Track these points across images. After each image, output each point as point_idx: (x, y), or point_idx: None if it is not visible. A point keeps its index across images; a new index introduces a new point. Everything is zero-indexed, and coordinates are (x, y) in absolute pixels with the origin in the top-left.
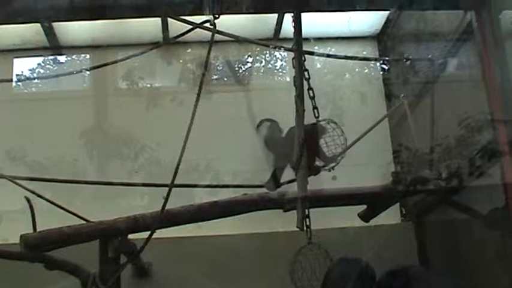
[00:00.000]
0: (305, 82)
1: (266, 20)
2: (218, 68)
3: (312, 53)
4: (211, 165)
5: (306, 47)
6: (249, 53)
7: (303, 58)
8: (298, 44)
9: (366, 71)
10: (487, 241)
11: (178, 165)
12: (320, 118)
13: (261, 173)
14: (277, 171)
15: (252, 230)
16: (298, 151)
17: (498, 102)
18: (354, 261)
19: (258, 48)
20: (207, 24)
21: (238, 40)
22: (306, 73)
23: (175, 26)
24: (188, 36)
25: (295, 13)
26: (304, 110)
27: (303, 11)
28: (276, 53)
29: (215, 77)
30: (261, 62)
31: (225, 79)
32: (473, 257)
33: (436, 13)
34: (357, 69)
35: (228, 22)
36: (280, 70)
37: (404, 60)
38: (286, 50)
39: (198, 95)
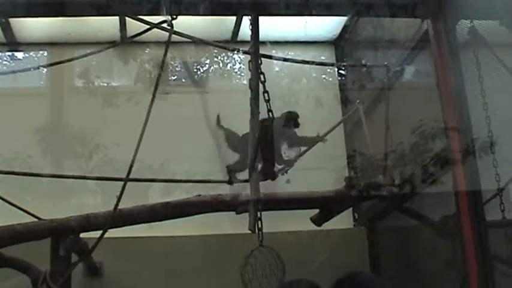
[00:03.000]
0: (261, 85)
1: (225, 22)
2: (176, 69)
3: (269, 57)
4: (165, 165)
5: (264, 51)
6: (207, 55)
7: (260, 61)
8: (255, 47)
9: (323, 76)
10: (438, 247)
11: (131, 164)
12: None
13: (216, 174)
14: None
15: (205, 232)
16: (252, 153)
17: (451, 111)
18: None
19: (216, 50)
20: (165, 25)
21: (194, 41)
22: (261, 76)
23: (134, 26)
24: (146, 36)
25: (252, 16)
26: (259, 113)
27: (261, 15)
28: (234, 55)
29: (173, 77)
30: (219, 63)
31: (183, 80)
32: (424, 263)
33: (393, 20)
34: (313, 74)
35: (187, 23)
36: (237, 72)
37: (361, 66)
38: (243, 52)
39: (153, 95)
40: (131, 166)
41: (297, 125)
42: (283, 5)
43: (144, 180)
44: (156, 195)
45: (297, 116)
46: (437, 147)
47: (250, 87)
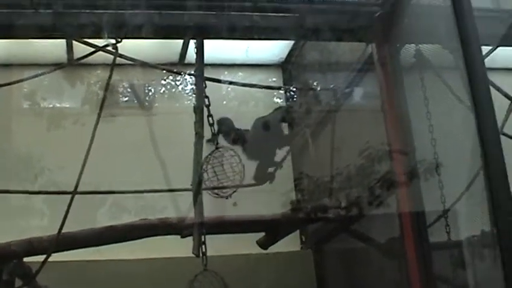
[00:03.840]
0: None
1: (172, 44)
2: (123, 91)
3: (213, 80)
4: (112, 188)
5: (211, 73)
6: (154, 77)
7: (204, 84)
8: (200, 70)
9: (270, 98)
10: (384, 269)
11: (76, 186)
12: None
13: (162, 197)
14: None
15: (151, 255)
16: (196, 177)
17: (395, 133)
18: None
19: (164, 72)
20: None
21: (136, 64)
22: (206, 100)
23: (81, 48)
24: (93, 59)
25: (197, 40)
26: (203, 136)
27: (206, 38)
28: (181, 78)
29: (120, 100)
30: (166, 86)
31: (129, 102)
32: (370, 285)
33: (339, 44)
34: (261, 97)
35: (135, 45)
36: (184, 95)
37: (308, 89)
38: (189, 75)
39: (98, 117)
40: (75, 190)
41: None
42: (229, 29)
43: (90, 192)
44: (104, 219)
45: (287, 110)
46: (383, 170)
47: (194, 111)
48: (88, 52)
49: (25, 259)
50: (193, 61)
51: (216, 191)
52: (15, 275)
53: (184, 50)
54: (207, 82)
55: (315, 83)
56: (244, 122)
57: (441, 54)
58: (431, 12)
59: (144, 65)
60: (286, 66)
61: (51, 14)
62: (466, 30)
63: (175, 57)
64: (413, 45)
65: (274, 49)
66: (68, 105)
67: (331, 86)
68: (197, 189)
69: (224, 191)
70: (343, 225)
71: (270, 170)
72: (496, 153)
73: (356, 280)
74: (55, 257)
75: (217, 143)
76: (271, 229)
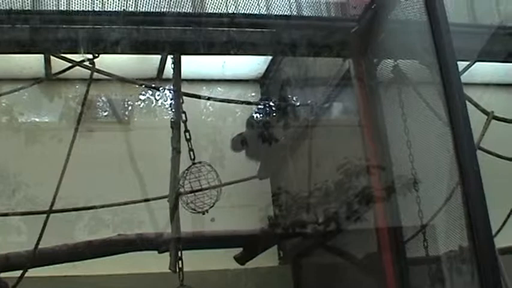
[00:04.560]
0: (182, 124)
1: (150, 59)
2: (101, 106)
3: (191, 95)
4: (90, 203)
5: (189, 88)
6: (132, 92)
7: (182, 100)
8: (177, 86)
9: (248, 114)
10: (362, 285)
11: (53, 202)
12: (195, 160)
13: (140, 212)
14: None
15: (129, 270)
16: (173, 191)
17: (373, 149)
18: None
19: (142, 87)
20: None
21: (114, 79)
22: (183, 115)
23: (59, 63)
24: (71, 73)
25: (175, 56)
26: (180, 152)
27: (183, 54)
28: (159, 93)
29: (98, 115)
30: (145, 101)
31: (107, 117)
32: None
33: (316, 59)
34: (238, 112)
35: (113, 60)
36: (163, 110)
37: (286, 104)
38: (166, 90)
39: (75, 132)
40: (53, 203)
41: None
42: (206, 44)
43: (64, 210)
44: (82, 234)
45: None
46: (361, 185)
47: (171, 126)
48: (65, 67)
49: (2, 274)
50: (171, 76)
51: (192, 206)
52: None
53: (162, 65)
54: (184, 97)
55: (293, 98)
56: (221, 137)
57: (418, 70)
58: (408, 27)
59: (121, 80)
60: (264, 82)
61: (28, 29)
62: (443, 45)
63: (153, 73)
64: (390, 60)
65: (252, 64)
66: (45, 120)
67: (309, 101)
68: (174, 205)
69: (201, 206)
70: (321, 240)
71: None
72: (473, 168)
73: None
74: (32, 272)
75: (193, 158)
76: (248, 244)
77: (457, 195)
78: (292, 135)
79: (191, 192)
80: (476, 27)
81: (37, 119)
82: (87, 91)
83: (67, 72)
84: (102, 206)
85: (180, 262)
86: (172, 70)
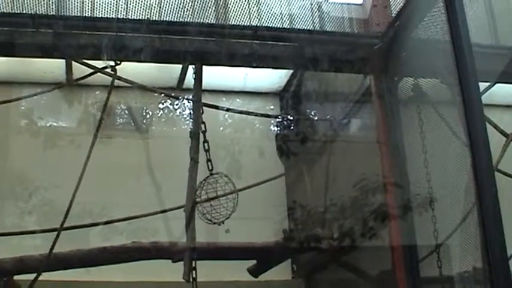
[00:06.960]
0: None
1: (171, 69)
2: (120, 113)
3: (211, 106)
4: (106, 210)
5: (209, 99)
6: (152, 101)
7: (202, 110)
8: (198, 96)
9: (266, 126)
10: None
11: (69, 208)
12: (214, 171)
13: (155, 221)
14: None
15: (141, 278)
16: (190, 202)
17: (390, 166)
18: None
19: (162, 96)
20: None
21: (135, 87)
22: (203, 125)
23: (80, 69)
24: (92, 80)
25: (196, 66)
26: (198, 162)
27: (205, 64)
28: (178, 103)
29: (118, 122)
30: (164, 110)
31: (126, 125)
32: None
33: (337, 75)
34: (257, 125)
35: (134, 68)
36: (182, 120)
37: (305, 118)
38: (187, 100)
39: (95, 138)
40: (68, 210)
41: None
42: (228, 56)
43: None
44: (97, 240)
45: None
46: (377, 202)
47: (190, 136)
48: (87, 73)
49: (16, 277)
50: (192, 86)
51: (208, 216)
52: None
53: (183, 75)
54: (204, 108)
55: (312, 113)
56: (239, 149)
57: (439, 89)
58: (430, 46)
59: (142, 88)
60: (283, 95)
61: (51, 34)
62: (465, 66)
63: (173, 82)
64: (411, 78)
65: (272, 77)
66: (65, 125)
67: (328, 116)
68: (190, 215)
69: (217, 217)
70: (335, 256)
71: None
72: (490, 190)
73: None
74: (45, 276)
75: (211, 169)
76: (262, 257)
77: (473, 216)
78: (310, 149)
79: (207, 200)
80: (497, 48)
81: (56, 124)
82: (107, 98)
83: (87, 78)
84: (118, 220)
85: (193, 272)
86: (193, 80)
